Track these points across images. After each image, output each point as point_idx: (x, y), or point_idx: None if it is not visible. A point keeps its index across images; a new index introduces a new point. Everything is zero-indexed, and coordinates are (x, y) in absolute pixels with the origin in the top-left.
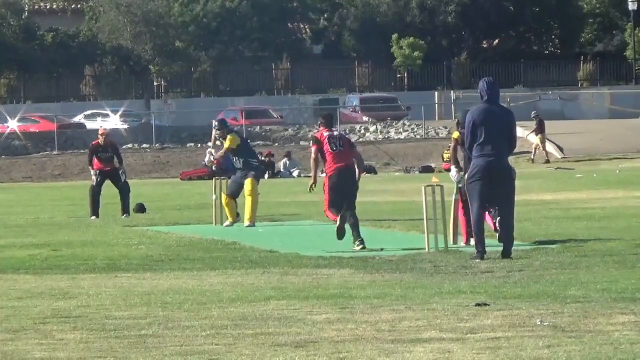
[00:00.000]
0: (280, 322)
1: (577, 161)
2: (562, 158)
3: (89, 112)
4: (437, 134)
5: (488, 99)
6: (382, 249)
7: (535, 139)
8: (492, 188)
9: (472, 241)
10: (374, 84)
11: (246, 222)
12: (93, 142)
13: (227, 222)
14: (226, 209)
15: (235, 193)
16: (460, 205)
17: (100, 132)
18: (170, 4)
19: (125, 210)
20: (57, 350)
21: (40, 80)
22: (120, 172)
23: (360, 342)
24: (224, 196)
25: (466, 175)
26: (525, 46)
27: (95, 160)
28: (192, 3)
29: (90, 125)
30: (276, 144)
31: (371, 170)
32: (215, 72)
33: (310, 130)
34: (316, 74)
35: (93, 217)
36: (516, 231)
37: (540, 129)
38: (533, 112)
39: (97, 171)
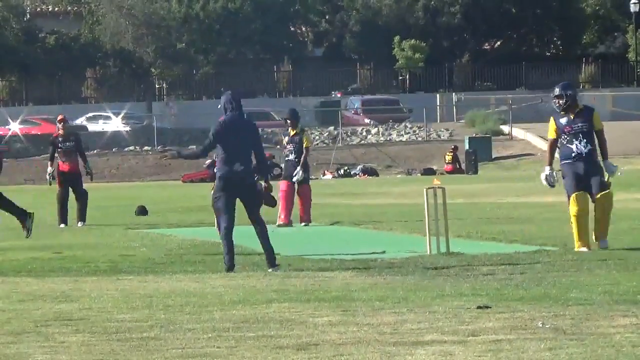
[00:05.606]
0: (282, 325)
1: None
2: None
3: (90, 114)
4: (439, 136)
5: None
6: (384, 252)
7: None
8: None
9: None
10: (376, 86)
11: None
12: (53, 134)
13: None
14: None
15: None
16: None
17: (58, 119)
18: (171, 6)
19: (81, 218)
20: (59, 353)
21: (42, 83)
22: (87, 169)
23: (362, 345)
24: None
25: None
26: (527, 48)
27: (57, 158)
28: (194, 4)
29: (92, 127)
30: (278, 147)
31: (373, 172)
32: (217, 75)
33: (312, 133)
34: (318, 77)
35: (62, 225)
36: (520, 233)
37: None
38: None
39: (53, 171)
